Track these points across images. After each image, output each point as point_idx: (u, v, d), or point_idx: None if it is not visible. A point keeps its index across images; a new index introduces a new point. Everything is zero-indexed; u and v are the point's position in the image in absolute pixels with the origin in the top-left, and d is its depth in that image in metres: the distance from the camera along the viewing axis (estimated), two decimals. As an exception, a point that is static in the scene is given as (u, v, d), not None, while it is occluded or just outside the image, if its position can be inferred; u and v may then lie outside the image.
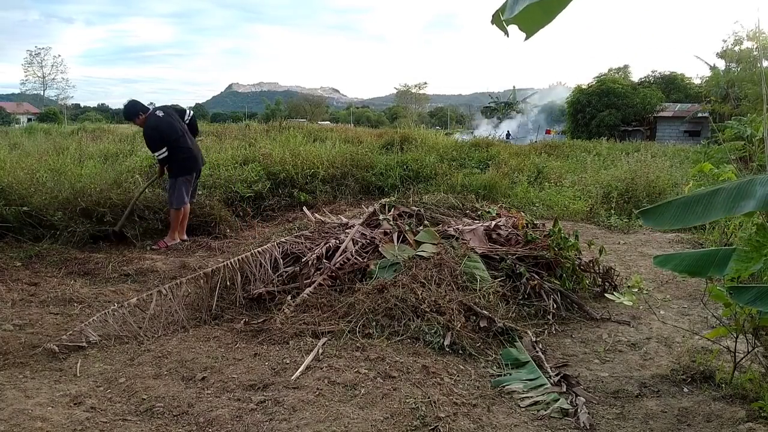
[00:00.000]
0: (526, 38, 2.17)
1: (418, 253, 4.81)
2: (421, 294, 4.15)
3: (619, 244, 7.39)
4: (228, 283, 4.61)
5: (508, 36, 2.21)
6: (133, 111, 6.67)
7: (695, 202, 2.42)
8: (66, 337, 3.79)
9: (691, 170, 5.42)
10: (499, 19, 2.20)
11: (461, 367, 3.58)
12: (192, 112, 7.02)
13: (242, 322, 4.20)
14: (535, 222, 6.21)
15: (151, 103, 6.93)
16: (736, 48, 21.47)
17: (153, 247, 6.46)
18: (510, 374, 3.50)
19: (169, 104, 7.11)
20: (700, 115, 32.50)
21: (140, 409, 3.01)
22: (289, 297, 4.45)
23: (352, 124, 46.60)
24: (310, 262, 4.76)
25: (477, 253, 4.92)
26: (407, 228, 5.32)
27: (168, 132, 6.47)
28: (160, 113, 6.56)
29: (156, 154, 6.56)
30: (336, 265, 4.71)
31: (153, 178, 7.22)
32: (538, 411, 3.08)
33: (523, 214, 6.58)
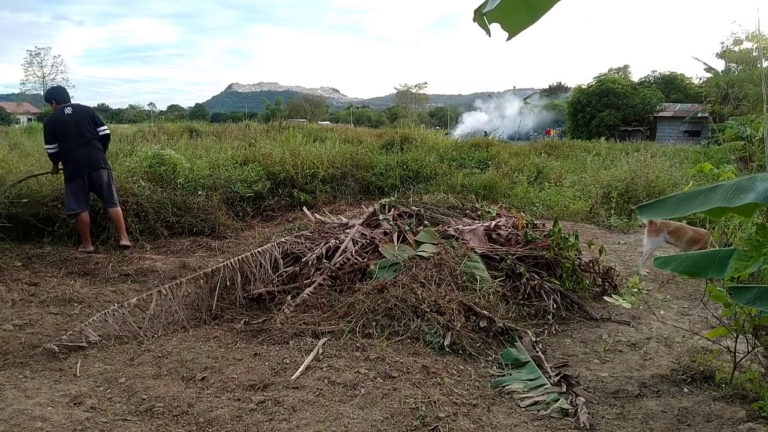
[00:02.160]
0: (509, 38, 2.06)
1: (418, 253, 4.81)
2: (421, 294, 4.15)
3: (619, 244, 7.40)
4: (228, 283, 4.61)
5: (489, 35, 2.10)
6: (49, 96, 6.69)
7: (694, 195, 2.41)
8: (66, 337, 3.79)
9: (691, 170, 5.43)
10: (480, 17, 2.09)
11: (461, 367, 3.58)
12: (106, 131, 6.67)
13: (242, 322, 4.20)
14: (535, 222, 6.21)
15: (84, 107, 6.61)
16: (736, 48, 21.49)
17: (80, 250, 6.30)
18: (510, 374, 3.50)
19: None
20: (700, 115, 32.50)
21: (140, 409, 3.01)
22: (289, 297, 4.45)
23: (352, 124, 46.58)
24: (310, 262, 4.75)
25: (477, 253, 4.92)
26: (407, 228, 5.32)
27: (59, 131, 6.35)
28: (68, 110, 6.37)
29: (45, 146, 6.53)
30: (336, 265, 4.71)
31: (44, 171, 7.02)
32: (538, 411, 3.08)
33: (523, 214, 6.59)
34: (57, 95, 6.63)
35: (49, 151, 6.46)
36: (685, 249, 5.62)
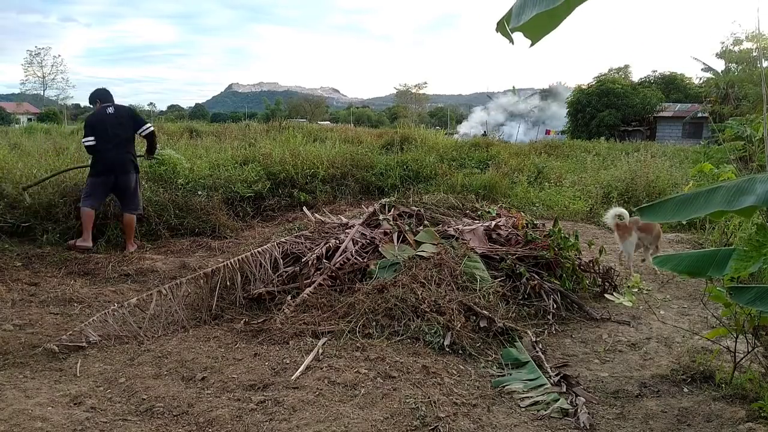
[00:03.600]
0: (532, 45, 2.19)
1: (418, 253, 4.81)
2: (421, 294, 4.15)
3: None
4: (228, 283, 4.61)
5: (513, 43, 2.23)
6: (94, 97, 6.88)
7: (695, 198, 2.42)
8: (66, 337, 3.79)
9: (690, 171, 5.43)
10: (503, 28, 2.21)
11: (461, 367, 3.58)
12: (150, 129, 6.83)
13: (242, 322, 4.20)
14: (535, 222, 6.21)
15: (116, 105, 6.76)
16: (735, 48, 21.49)
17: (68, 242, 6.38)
18: (510, 374, 3.50)
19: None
20: (699, 115, 32.48)
21: (140, 409, 3.01)
22: (289, 297, 4.45)
23: (352, 124, 46.51)
24: (310, 262, 4.75)
25: (477, 253, 4.92)
26: (407, 228, 5.32)
27: (96, 129, 6.52)
28: (110, 109, 6.61)
29: (83, 140, 6.69)
30: (336, 265, 4.71)
31: (78, 165, 7.15)
32: (538, 411, 3.08)
33: (523, 214, 6.59)
34: (101, 96, 6.84)
35: (86, 143, 6.58)
36: (654, 243, 5.81)
